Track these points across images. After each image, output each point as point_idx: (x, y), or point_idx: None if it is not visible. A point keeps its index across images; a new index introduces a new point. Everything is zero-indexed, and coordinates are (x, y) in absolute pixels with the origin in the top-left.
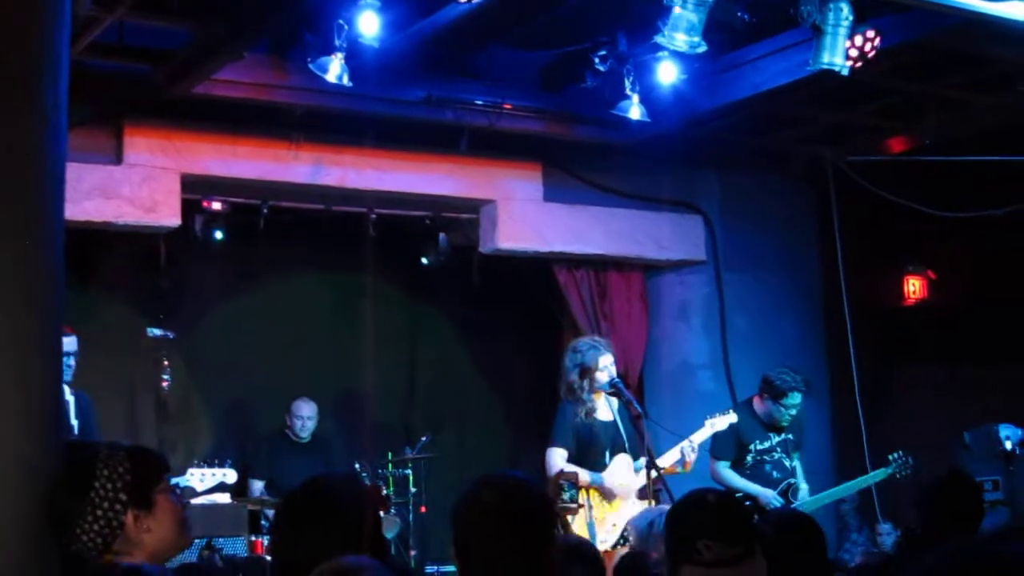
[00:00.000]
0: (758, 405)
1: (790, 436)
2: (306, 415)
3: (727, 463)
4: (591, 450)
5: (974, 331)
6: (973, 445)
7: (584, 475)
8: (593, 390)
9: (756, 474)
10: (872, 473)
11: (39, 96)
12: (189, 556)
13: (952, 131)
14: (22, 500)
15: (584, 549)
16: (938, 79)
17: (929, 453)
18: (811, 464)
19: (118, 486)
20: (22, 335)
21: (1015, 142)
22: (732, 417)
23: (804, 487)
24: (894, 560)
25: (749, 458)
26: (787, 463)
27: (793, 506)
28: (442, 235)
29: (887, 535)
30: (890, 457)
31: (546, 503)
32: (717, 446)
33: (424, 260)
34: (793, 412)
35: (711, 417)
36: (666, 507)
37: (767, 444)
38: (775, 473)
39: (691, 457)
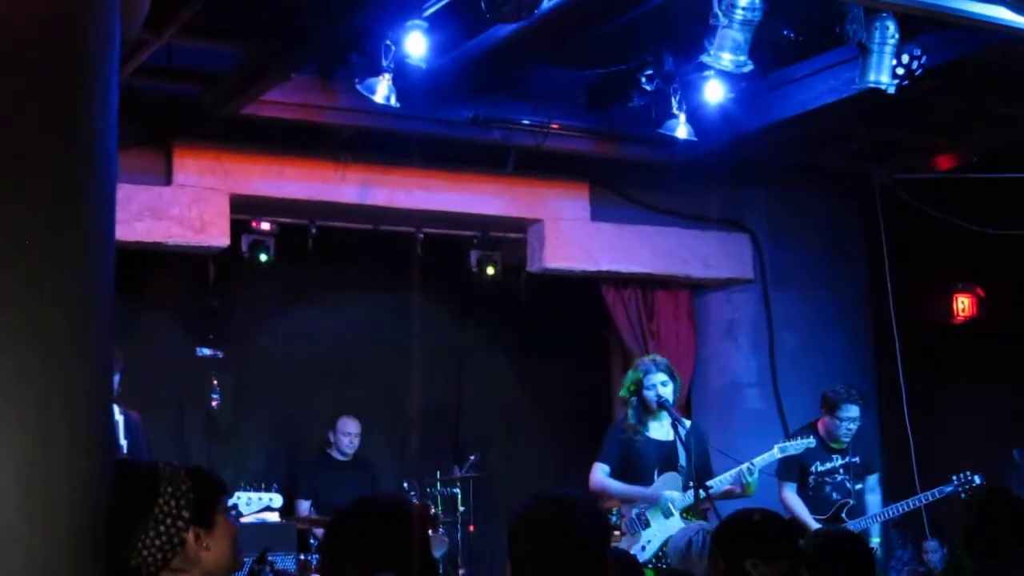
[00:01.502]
0: (820, 426)
1: (856, 459)
2: (353, 432)
3: (793, 485)
4: (637, 467)
5: (1023, 348)
6: (1022, 463)
7: (626, 488)
8: (643, 406)
9: (816, 496)
10: (934, 490)
11: (89, 119)
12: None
13: (999, 147)
14: (74, 516)
15: (626, 559)
16: (985, 96)
17: (978, 471)
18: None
19: (181, 503)
20: (73, 353)
21: None
22: (810, 442)
23: (873, 499)
24: None
25: (810, 479)
26: (849, 485)
27: (852, 522)
28: (472, 253)
29: (933, 552)
30: (953, 477)
31: (602, 520)
32: (782, 468)
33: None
34: (851, 427)
35: (782, 443)
36: (705, 524)
37: (828, 466)
38: (834, 495)
39: (748, 480)
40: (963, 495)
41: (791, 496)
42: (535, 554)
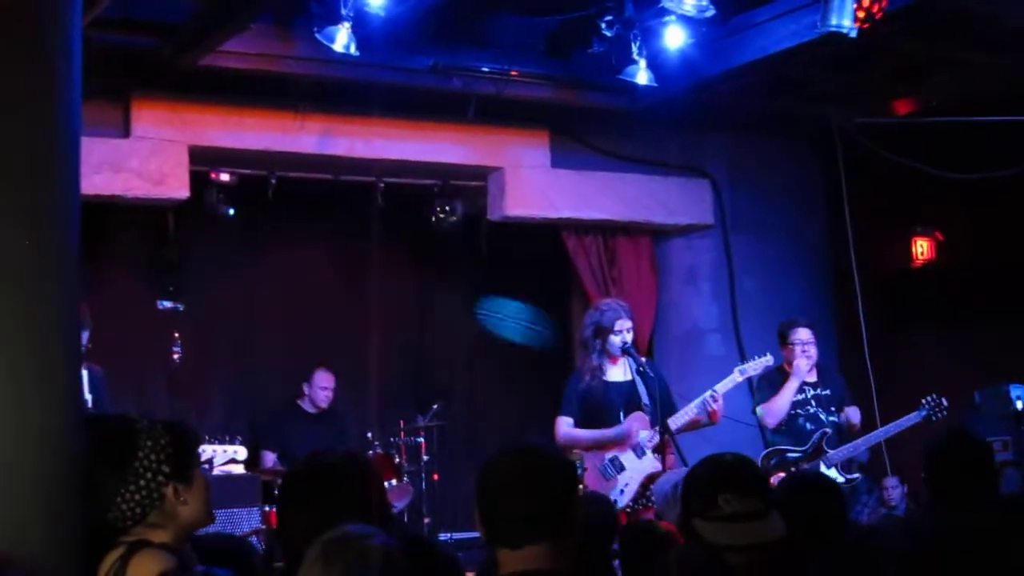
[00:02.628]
0: (785, 365)
1: (827, 392)
2: (329, 386)
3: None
4: (602, 411)
5: (982, 292)
6: (983, 405)
7: (594, 434)
8: (605, 351)
9: (790, 429)
10: (907, 416)
11: (53, 71)
12: None
13: (959, 92)
14: (45, 472)
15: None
16: (945, 40)
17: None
18: (841, 439)
19: (161, 458)
20: (40, 309)
21: (1021, 102)
22: (768, 359)
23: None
24: (907, 523)
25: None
26: (823, 416)
27: (829, 455)
28: (433, 201)
29: (894, 488)
30: (923, 401)
31: (568, 467)
32: (758, 394)
33: (440, 225)
34: (808, 350)
35: (742, 364)
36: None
37: (799, 397)
38: (808, 425)
39: (714, 407)
40: (934, 419)
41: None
42: (503, 506)
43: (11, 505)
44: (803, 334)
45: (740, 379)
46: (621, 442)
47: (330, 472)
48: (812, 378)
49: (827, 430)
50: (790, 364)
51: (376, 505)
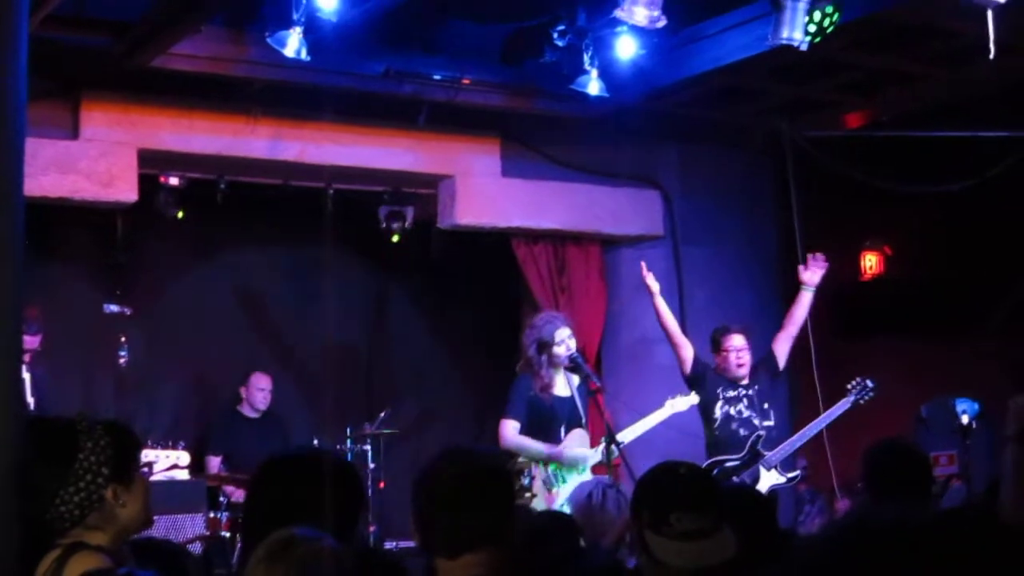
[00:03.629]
0: (718, 366)
1: (756, 386)
2: (266, 387)
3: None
4: (547, 425)
5: (930, 306)
6: (930, 419)
7: (540, 447)
8: (552, 364)
9: (723, 434)
10: (837, 405)
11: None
12: None
13: (910, 106)
14: None
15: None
16: (896, 54)
17: (887, 427)
18: (779, 438)
19: (101, 459)
20: None
21: (972, 117)
22: (693, 399)
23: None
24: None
25: (718, 415)
26: (756, 420)
27: (766, 457)
28: (382, 208)
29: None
30: (848, 386)
31: (506, 475)
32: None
33: (390, 232)
34: (741, 356)
35: (672, 398)
36: (604, 479)
37: (732, 394)
38: (742, 431)
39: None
40: (862, 401)
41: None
42: (440, 514)
43: None
44: (736, 340)
45: (671, 411)
46: (563, 460)
47: (291, 473)
48: (745, 380)
49: (760, 432)
50: (725, 370)
51: (335, 507)
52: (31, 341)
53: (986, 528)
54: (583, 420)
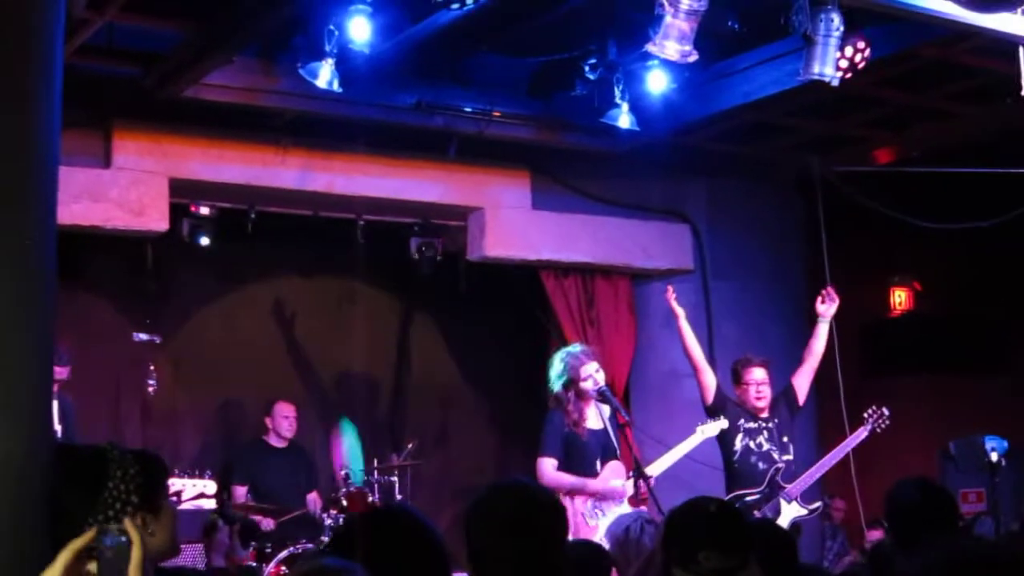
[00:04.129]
0: (739, 399)
1: (776, 420)
2: (291, 415)
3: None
4: (580, 459)
5: (959, 342)
6: (958, 455)
7: (580, 482)
8: (581, 399)
9: (743, 468)
10: (853, 435)
11: (33, 96)
12: None
13: (939, 142)
14: (11, 501)
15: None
16: (926, 90)
17: (915, 464)
18: (798, 471)
19: (131, 488)
20: (14, 336)
21: (1002, 154)
22: (723, 423)
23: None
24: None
25: (737, 449)
26: (776, 454)
27: (786, 490)
28: (412, 240)
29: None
30: (864, 415)
31: (558, 508)
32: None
33: (420, 263)
34: (762, 390)
35: (702, 424)
36: (643, 512)
37: (752, 425)
38: (761, 465)
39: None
40: (879, 430)
41: None
42: (493, 543)
43: None
44: (757, 374)
45: (701, 438)
46: (605, 493)
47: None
48: (766, 413)
49: (779, 466)
50: (744, 402)
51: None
52: (60, 372)
53: None
54: (617, 451)
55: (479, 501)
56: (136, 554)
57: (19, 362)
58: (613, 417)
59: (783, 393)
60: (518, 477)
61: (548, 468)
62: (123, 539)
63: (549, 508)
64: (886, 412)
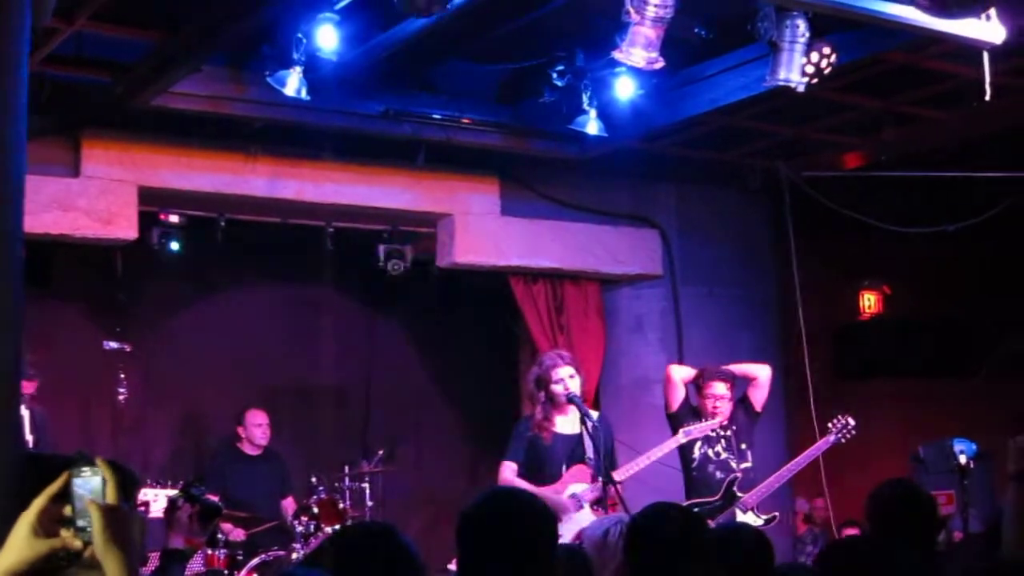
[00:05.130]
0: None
1: (734, 426)
2: (264, 422)
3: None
4: (544, 464)
5: (928, 345)
6: (927, 459)
7: (536, 491)
8: (551, 402)
9: (701, 477)
10: (817, 444)
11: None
12: None
13: (907, 147)
14: None
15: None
16: (893, 95)
17: (886, 467)
18: (757, 480)
19: None
20: None
21: (969, 158)
22: (714, 422)
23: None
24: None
25: (695, 458)
26: (734, 462)
27: (742, 499)
28: (381, 247)
29: None
30: (830, 424)
31: (549, 514)
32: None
33: (389, 270)
34: (719, 404)
35: (685, 427)
36: (624, 516)
37: (712, 434)
38: (718, 473)
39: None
40: (843, 441)
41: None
42: (484, 551)
43: None
44: (717, 388)
45: (684, 440)
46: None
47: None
48: (724, 421)
49: (737, 475)
50: (704, 411)
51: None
52: (27, 387)
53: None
54: (587, 456)
55: (469, 509)
56: (111, 489)
57: None
58: (596, 422)
59: (740, 401)
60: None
61: (507, 472)
62: (96, 479)
63: (542, 515)
64: (851, 422)
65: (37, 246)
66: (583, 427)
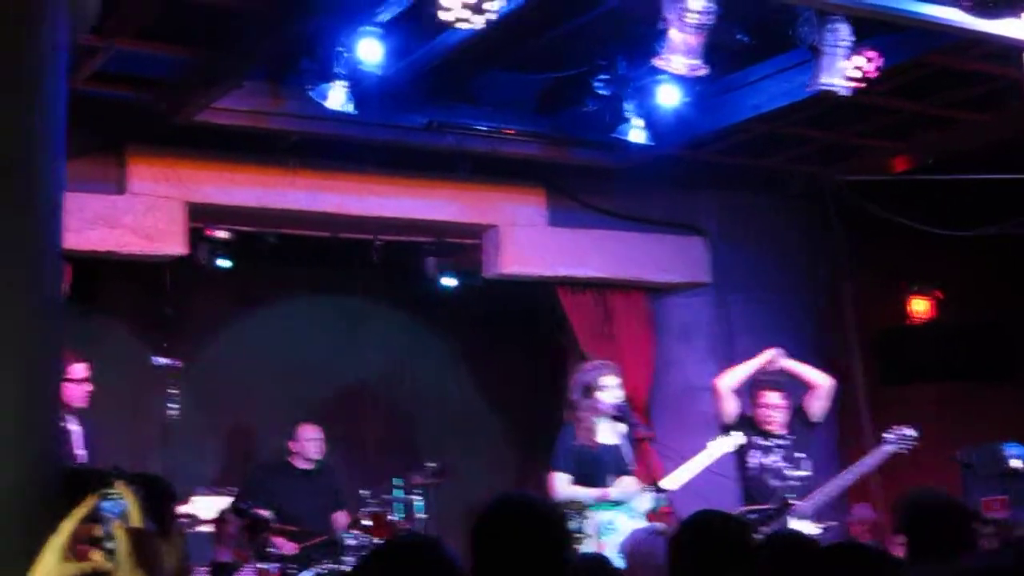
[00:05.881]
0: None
1: (793, 437)
2: (317, 436)
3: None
4: (594, 473)
5: (979, 350)
6: (977, 463)
7: (591, 493)
8: (595, 411)
9: (757, 486)
10: (874, 453)
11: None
12: None
13: (950, 149)
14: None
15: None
16: (936, 98)
17: (934, 472)
18: (813, 488)
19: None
20: (20, 364)
21: (1014, 159)
22: (738, 438)
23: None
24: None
25: (750, 468)
26: (789, 471)
27: (796, 507)
28: (429, 259)
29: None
30: (885, 435)
31: (560, 520)
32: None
33: (435, 282)
34: (773, 414)
35: (712, 440)
36: (658, 525)
37: (768, 444)
38: (772, 482)
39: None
40: (904, 451)
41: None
42: (496, 554)
43: None
44: (770, 397)
45: (714, 454)
46: (620, 499)
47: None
48: (780, 430)
49: (792, 483)
50: (759, 420)
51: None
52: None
53: None
54: (629, 468)
55: (482, 513)
56: (135, 513)
57: (27, 390)
58: (630, 435)
59: (797, 412)
60: (522, 491)
61: (560, 483)
62: (123, 502)
63: (550, 520)
64: (910, 433)
65: (84, 263)
66: (622, 437)
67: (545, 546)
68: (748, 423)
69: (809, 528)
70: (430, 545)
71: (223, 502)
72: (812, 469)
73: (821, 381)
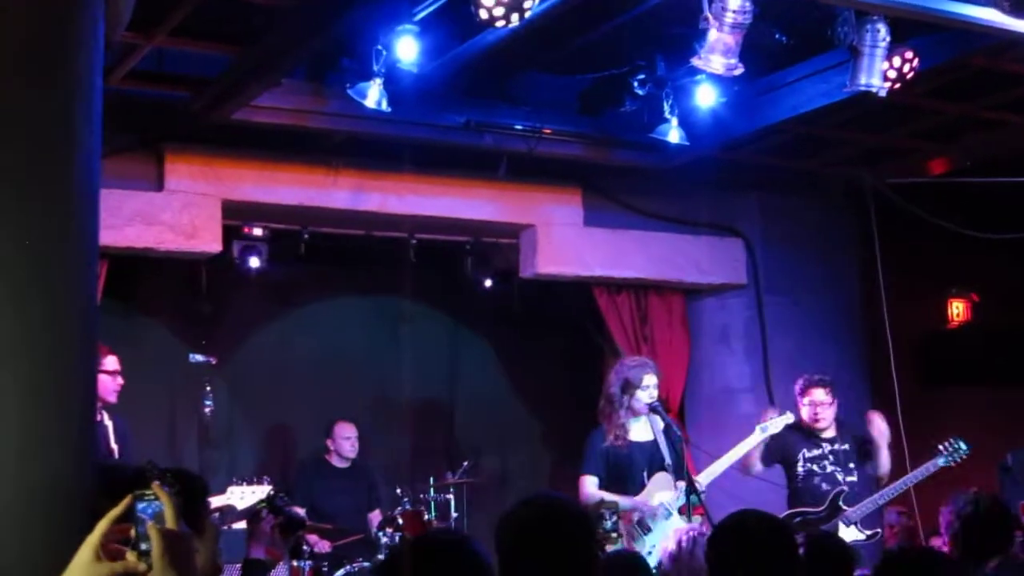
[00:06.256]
0: (801, 417)
1: (845, 446)
2: (352, 435)
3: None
4: (626, 473)
5: (1017, 353)
6: (1016, 467)
7: (622, 501)
8: (631, 408)
9: (805, 487)
10: (925, 465)
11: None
12: None
13: (991, 152)
14: (55, 520)
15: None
16: (976, 99)
17: (973, 476)
18: (861, 494)
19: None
20: (56, 360)
21: None
22: (788, 417)
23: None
24: None
25: (799, 470)
26: (840, 476)
27: (846, 512)
28: (468, 259)
29: None
30: (940, 447)
31: (584, 520)
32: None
33: (472, 281)
34: (819, 411)
35: (760, 422)
36: (695, 524)
37: (816, 452)
38: (823, 485)
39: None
40: (954, 463)
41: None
42: (521, 554)
43: (20, 552)
44: (817, 394)
45: (762, 436)
46: (645, 509)
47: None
48: (831, 433)
49: (843, 488)
50: (804, 424)
51: None
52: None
53: None
54: (665, 462)
55: (507, 515)
56: (169, 514)
57: (62, 385)
58: (667, 430)
59: (856, 437)
60: (548, 491)
61: (589, 486)
62: (157, 503)
63: (575, 519)
64: (963, 446)
65: (121, 260)
66: (659, 433)
67: (569, 547)
68: (795, 428)
69: (855, 535)
70: (460, 543)
71: (261, 491)
72: (861, 477)
73: (885, 457)
